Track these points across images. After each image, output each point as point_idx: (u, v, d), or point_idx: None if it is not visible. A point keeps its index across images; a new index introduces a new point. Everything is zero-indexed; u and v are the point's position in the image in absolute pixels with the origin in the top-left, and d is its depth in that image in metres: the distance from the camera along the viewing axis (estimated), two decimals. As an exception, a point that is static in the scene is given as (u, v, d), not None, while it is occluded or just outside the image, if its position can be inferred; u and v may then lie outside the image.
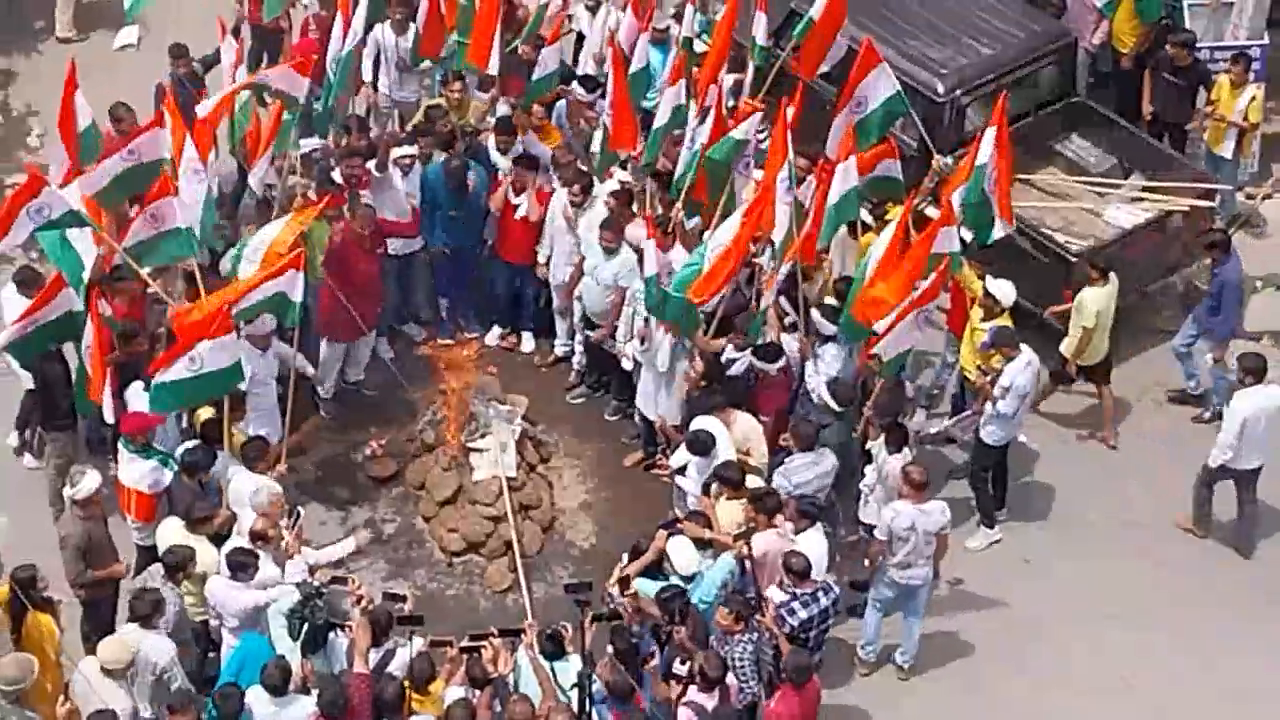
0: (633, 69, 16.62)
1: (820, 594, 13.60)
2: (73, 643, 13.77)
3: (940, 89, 17.24)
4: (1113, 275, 16.10)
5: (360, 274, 15.85)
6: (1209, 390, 16.84)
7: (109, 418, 14.52)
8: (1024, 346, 15.31)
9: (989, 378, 15.31)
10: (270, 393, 15.14)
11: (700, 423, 14.67)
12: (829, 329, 15.24)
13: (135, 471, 14.24)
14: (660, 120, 16.24)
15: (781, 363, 15.11)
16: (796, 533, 13.94)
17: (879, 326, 14.68)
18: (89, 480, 13.92)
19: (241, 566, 13.48)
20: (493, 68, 16.98)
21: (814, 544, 13.91)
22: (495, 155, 16.81)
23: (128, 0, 16.53)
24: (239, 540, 13.77)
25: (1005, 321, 15.60)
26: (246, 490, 14.09)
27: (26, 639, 13.16)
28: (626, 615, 13.42)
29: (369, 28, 17.19)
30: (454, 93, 17.36)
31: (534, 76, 17.11)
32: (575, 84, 17.43)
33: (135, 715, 12.95)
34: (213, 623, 13.80)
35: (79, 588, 14.04)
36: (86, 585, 14.03)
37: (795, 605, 13.52)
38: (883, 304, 14.70)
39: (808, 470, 14.51)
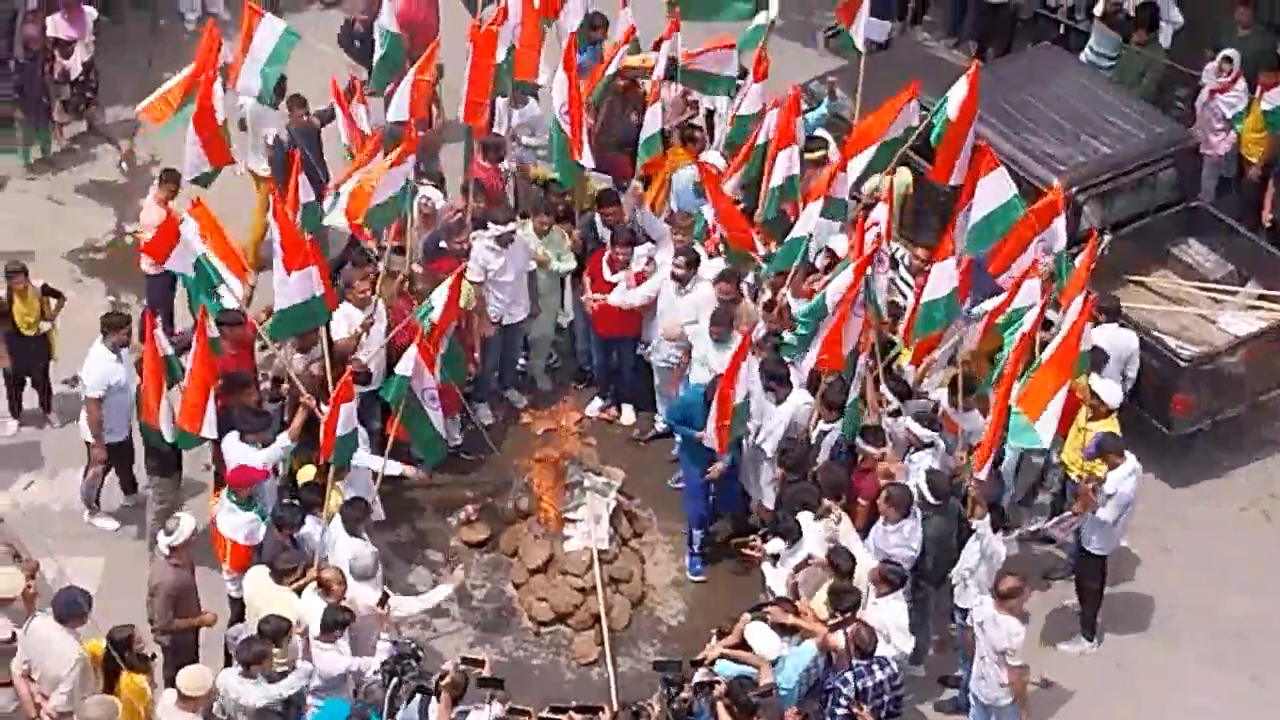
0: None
1: (876, 667, 13.41)
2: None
3: (1056, 185, 17.10)
4: None
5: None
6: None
7: (209, 434, 14.65)
8: (1129, 455, 15.09)
9: (1091, 485, 15.09)
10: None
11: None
12: (927, 436, 15.00)
13: (233, 522, 14.33)
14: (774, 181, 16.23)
15: (887, 448, 14.97)
16: (878, 597, 13.81)
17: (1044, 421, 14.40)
18: (185, 524, 14.03)
19: (339, 625, 13.53)
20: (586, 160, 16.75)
21: (893, 612, 13.79)
22: (601, 231, 16.81)
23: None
24: (315, 597, 13.74)
25: (1111, 424, 15.42)
26: (345, 555, 14.12)
27: (119, 696, 13.20)
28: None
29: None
30: None
31: (642, 139, 17.09)
32: (712, 154, 17.38)
33: None
34: (294, 679, 13.80)
35: (164, 633, 14.14)
36: (172, 632, 14.14)
37: (849, 675, 13.37)
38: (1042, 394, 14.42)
39: (905, 539, 14.32)
